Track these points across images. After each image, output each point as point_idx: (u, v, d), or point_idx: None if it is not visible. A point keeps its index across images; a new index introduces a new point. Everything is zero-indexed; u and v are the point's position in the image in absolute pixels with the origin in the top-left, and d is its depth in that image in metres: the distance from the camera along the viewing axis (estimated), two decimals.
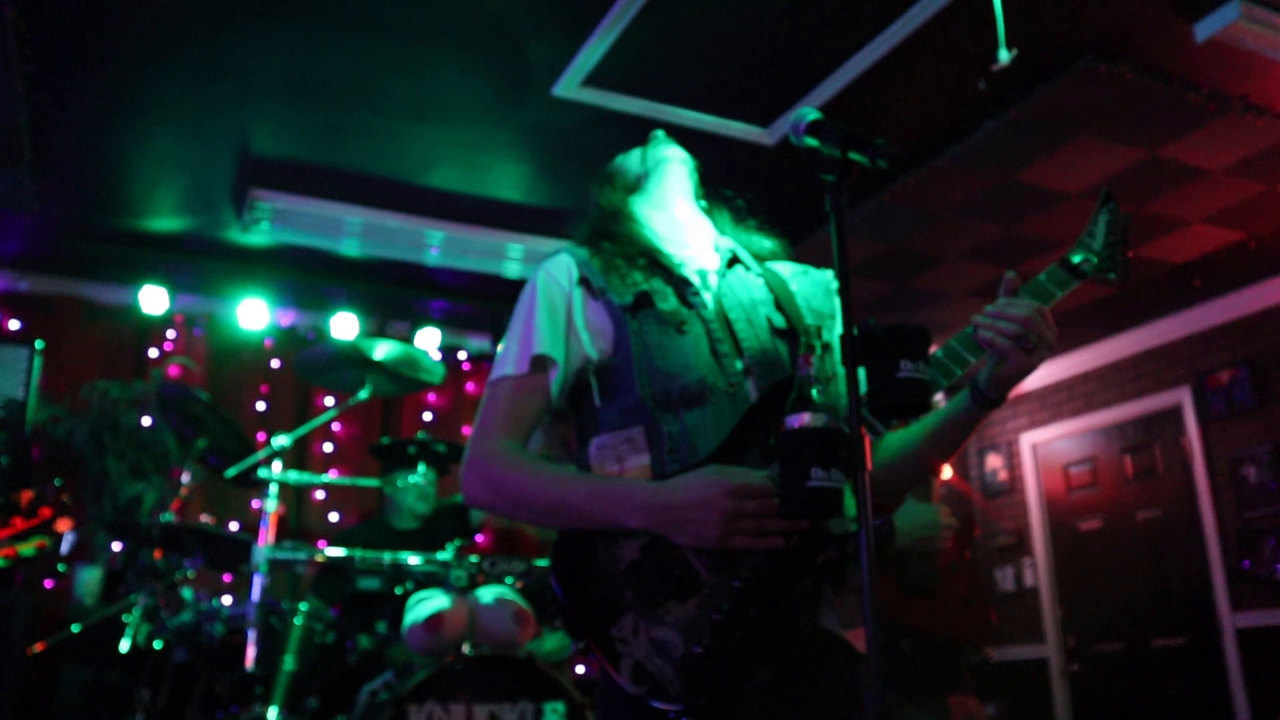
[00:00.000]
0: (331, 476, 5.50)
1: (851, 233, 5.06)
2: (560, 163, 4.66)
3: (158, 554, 4.06)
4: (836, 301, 1.94)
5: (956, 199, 4.83)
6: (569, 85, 3.99)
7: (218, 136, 4.40)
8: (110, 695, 4.08)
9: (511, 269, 5.47)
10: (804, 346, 1.69)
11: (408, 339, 6.01)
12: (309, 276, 5.69)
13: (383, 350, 4.13)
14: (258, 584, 3.71)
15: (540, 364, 1.79)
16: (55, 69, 3.85)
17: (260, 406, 5.85)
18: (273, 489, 3.83)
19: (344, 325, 5.82)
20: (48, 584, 5.14)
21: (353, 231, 5.02)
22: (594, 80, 3.97)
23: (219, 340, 5.87)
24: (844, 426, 1.56)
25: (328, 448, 5.92)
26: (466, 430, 6.34)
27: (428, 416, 6.28)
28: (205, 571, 4.41)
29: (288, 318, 6.06)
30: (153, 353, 5.69)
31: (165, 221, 5.09)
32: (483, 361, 6.41)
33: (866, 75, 3.96)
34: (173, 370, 5.71)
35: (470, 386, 6.45)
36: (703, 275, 1.89)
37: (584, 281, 1.83)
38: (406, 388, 4.48)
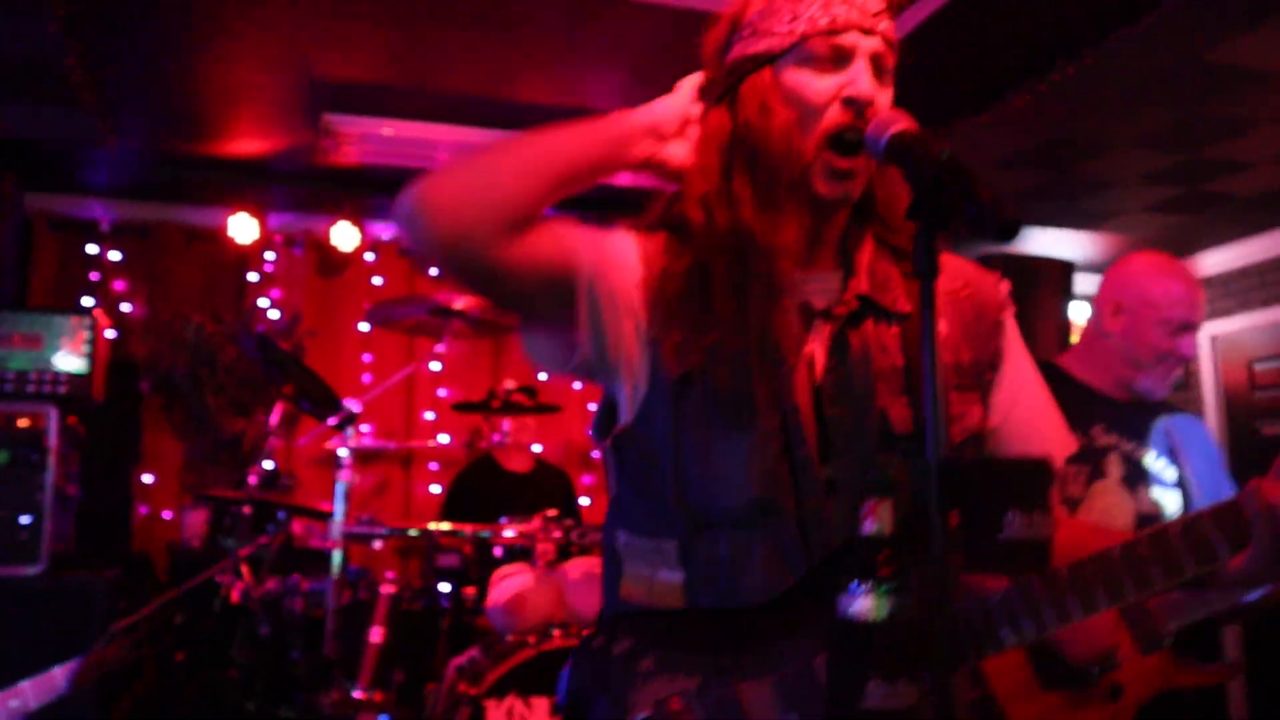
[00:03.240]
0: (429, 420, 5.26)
1: (1000, 124, 4.39)
2: (654, 69, 4.10)
3: (246, 510, 3.93)
4: (1002, 341, 1.46)
5: (1129, 83, 4.06)
6: None
7: (282, 61, 4.02)
8: (204, 653, 4.06)
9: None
10: (878, 484, 1.23)
11: None
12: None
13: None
14: (337, 558, 3.52)
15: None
16: (98, 8, 3.53)
17: (364, 326, 5.63)
18: (344, 458, 3.58)
19: None
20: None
21: (439, 150, 4.62)
22: None
23: (320, 259, 5.64)
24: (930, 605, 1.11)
25: (434, 366, 5.68)
26: None
27: None
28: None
29: (388, 231, 5.76)
30: (252, 276, 5.51)
31: (249, 144, 4.81)
32: None
33: None
34: (274, 293, 5.53)
35: None
36: (810, 320, 1.38)
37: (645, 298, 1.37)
38: None
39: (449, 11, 3.66)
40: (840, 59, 1.36)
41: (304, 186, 5.20)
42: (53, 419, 3.41)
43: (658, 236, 1.44)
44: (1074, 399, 2.31)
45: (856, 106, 1.34)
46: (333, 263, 5.62)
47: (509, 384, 4.79)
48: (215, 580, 3.91)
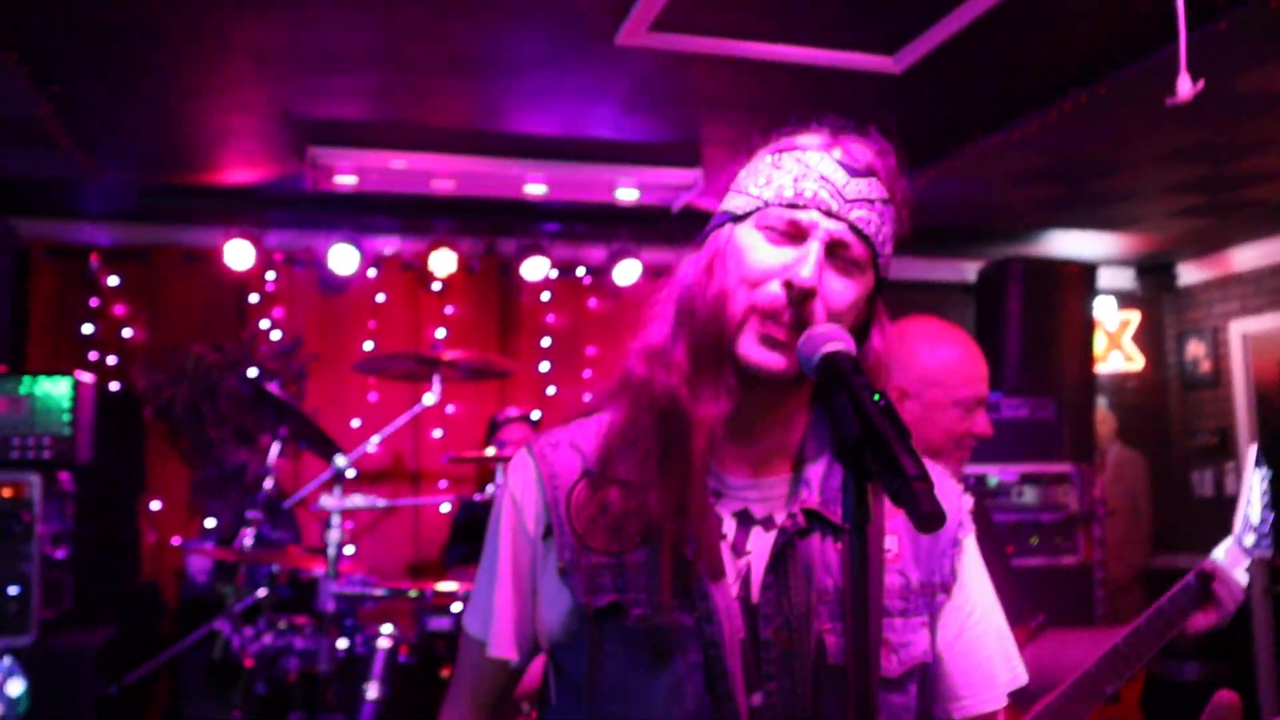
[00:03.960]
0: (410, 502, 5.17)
1: (1015, 145, 4.20)
2: (643, 104, 3.96)
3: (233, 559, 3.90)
4: (957, 562, 1.35)
5: (1148, 109, 3.85)
6: (634, 32, 3.25)
7: (259, 104, 3.92)
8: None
9: (626, 195, 4.84)
10: None
11: (514, 265, 5.56)
12: (402, 213, 5.26)
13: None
14: (331, 615, 3.48)
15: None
16: (67, 60, 3.43)
17: (369, 346, 5.56)
18: (334, 519, 3.51)
19: (443, 260, 5.37)
20: None
21: (432, 176, 4.50)
22: (663, 25, 3.21)
23: (321, 277, 5.55)
24: None
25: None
26: (590, 351, 5.90)
27: (546, 342, 5.84)
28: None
29: (391, 246, 5.66)
30: (253, 297, 5.43)
31: (237, 174, 4.71)
32: (602, 275, 5.84)
33: None
34: (276, 312, 5.46)
35: (592, 303, 5.94)
36: (750, 528, 1.27)
37: (550, 531, 1.29)
38: None
39: (430, 58, 3.53)
40: (796, 236, 1.24)
41: (299, 210, 5.10)
42: (36, 487, 3.36)
43: (604, 420, 1.34)
44: None
45: (792, 291, 1.22)
46: (334, 281, 5.53)
47: (511, 411, 4.72)
48: (215, 628, 3.90)
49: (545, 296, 5.84)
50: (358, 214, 5.22)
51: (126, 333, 5.27)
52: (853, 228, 1.25)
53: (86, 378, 3.61)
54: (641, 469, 1.26)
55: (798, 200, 1.24)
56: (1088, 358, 5.90)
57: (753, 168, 1.32)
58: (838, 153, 1.27)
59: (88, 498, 4.09)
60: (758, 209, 1.27)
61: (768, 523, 1.27)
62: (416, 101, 3.97)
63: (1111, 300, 6.57)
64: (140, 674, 3.48)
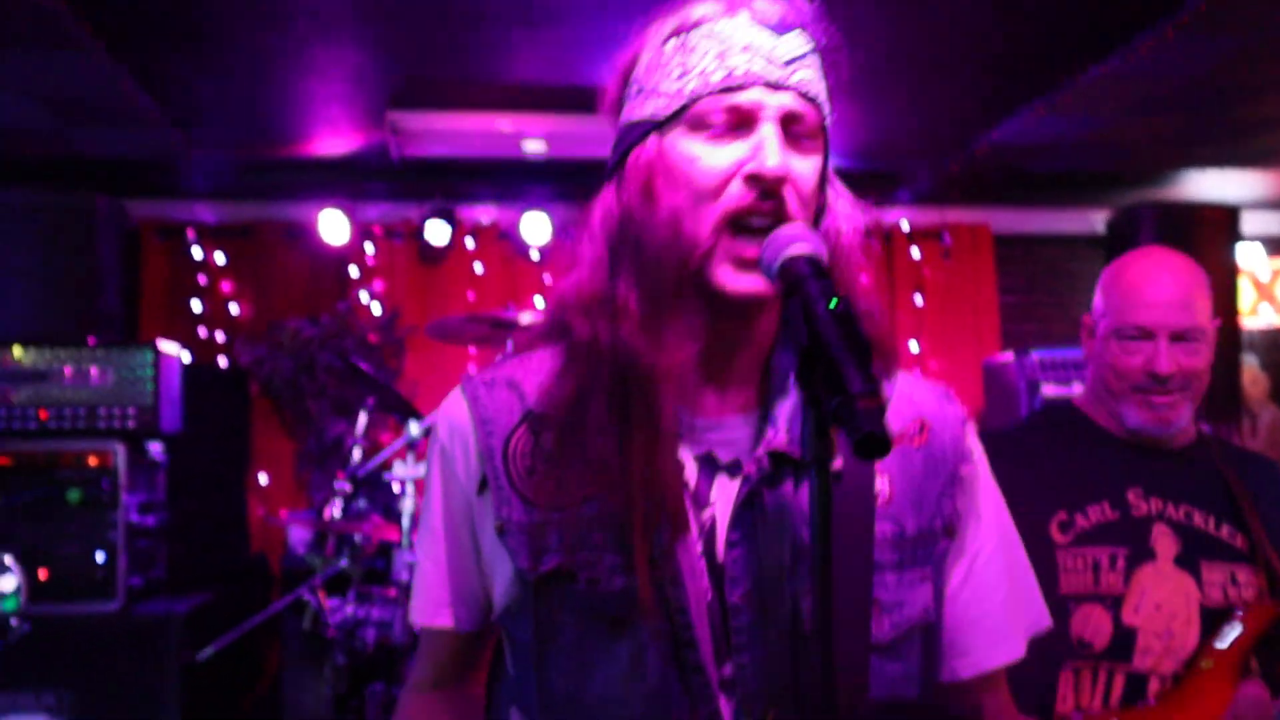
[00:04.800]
0: None
1: (1127, 72, 3.82)
2: None
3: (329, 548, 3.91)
4: (960, 501, 1.15)
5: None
6: None
7: (345, 68, 3.89)
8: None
9: None
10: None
11: None
12: (494, 180, 5.19)
13: None
14: (405, 584, 3.43)
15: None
16: (149, 42, 3.46)
17: None
18: (409, 488, 3.46)
19: (536, 226, 5.29)
20: None
21: (514, 138, 4.41)
22: None
23: (420, 249, 5.54)
24: None
25: None
26: None
27: None
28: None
29: (487, 215, 5.61)
30: (353, 270, 5.47)
31: (326, 145, 4.73)
32: None
33: None
34: (376, 285, 5.48)
35: None
36: (714, 475, 1.10)
37: (485, 484, 1.13)
38: None
39: (507, 9, 3.42)
40: (741, 124, 1.05)
41: (393, 180, 5.10)
42: (121, 455, 3.42)
43: (545, 358, 1.17)
44: (1101, 452, 1.86)
45: (761, 185, 1.03)
46: (432, 251, 5.51)
47: None
48: (303, 599, 3.92)
49: None
50: (450, 180, 5.18)
51: (234, 308, 5.37)
52: (801, 94, 1.05)
53: (171, 349, 3.65)
54: (601, 433, 1.08)
55: (730, 82, 1.04)
56: (1232, 311, 5.39)
57: (654, 61, 1.10)
58: (746, 14, 1.06)
59: (193, 470, 4.17)
60: (685, 107, 1.06)
61: (734, 468, 1.09)
62: (496, 57, 3.87)
63: (1259, 247, 6.01)
64: (222, 644, 3.50)
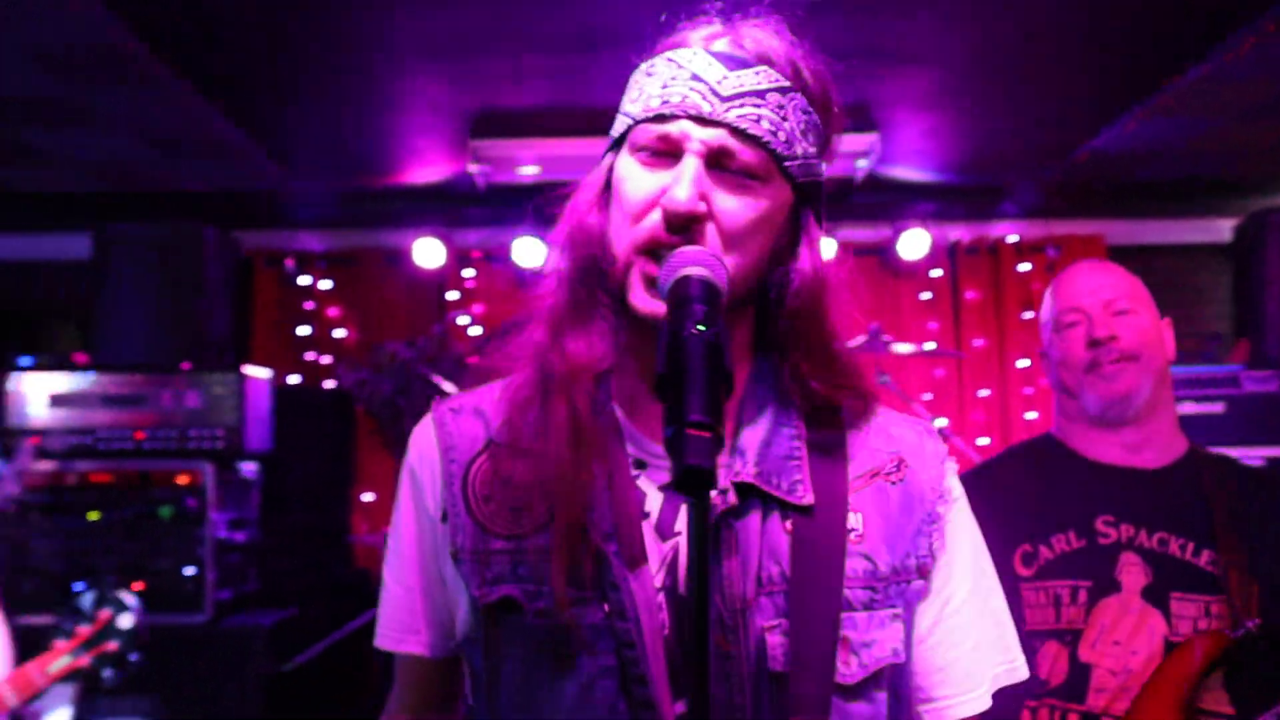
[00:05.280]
0: None
1: (1223, 75, 3.59)
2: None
3: None
4: (936, 540, 1.11)
5: None
6: None
7: (417, 103, 4.01)
8: None
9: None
10: None
11: None
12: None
13: None
14: None
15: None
16: (241, 78, 3.65)
17: None
18: None
19: None
20: None
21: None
22: None
23: (517, 272, 5.64)
24: None
25: None
26: None
27: None
28: None
29: None
30: (452, 295, 5.60)
31: (418, 174, 4.88)
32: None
33: None
34: (476, 308, 5.60)
35: None
36: (677, 505, 1.08)
37: (447, 516, 1.14)
38: None
39: (590, 36, 3.47)
40: (670, 153, 1.05)
41: (490, 206, 5.21)
42: (209, 474, 3.58)
43: (515, 383, 1.18)
44: (1071, 479, 1.78)
45: (670, 220, 1.02)
46: (525, 275, 5.60)
47: None
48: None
49: None
50: (541, 204, 5.25)
51: (339, 333, 5.58)
52: (735, 131, 1.03)
53: (259, 373, 3.82)
54: (537, 436, 1.10)
55: (664, 110, 1.05)
56: None
57: (631, 82, 1.13)
58: (721, 43, 1.06)
59: (291, 488, 4.35)
60: (629, 129, 1.09)
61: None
62: (572, 84, 3.93)
63: None
64: (308, 656, 3.62)
